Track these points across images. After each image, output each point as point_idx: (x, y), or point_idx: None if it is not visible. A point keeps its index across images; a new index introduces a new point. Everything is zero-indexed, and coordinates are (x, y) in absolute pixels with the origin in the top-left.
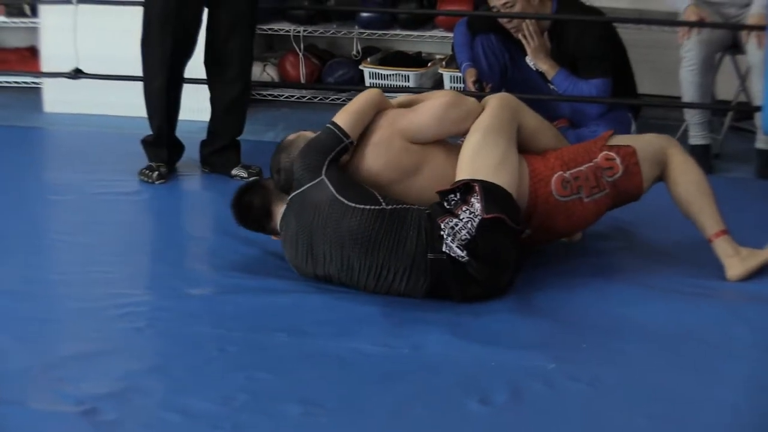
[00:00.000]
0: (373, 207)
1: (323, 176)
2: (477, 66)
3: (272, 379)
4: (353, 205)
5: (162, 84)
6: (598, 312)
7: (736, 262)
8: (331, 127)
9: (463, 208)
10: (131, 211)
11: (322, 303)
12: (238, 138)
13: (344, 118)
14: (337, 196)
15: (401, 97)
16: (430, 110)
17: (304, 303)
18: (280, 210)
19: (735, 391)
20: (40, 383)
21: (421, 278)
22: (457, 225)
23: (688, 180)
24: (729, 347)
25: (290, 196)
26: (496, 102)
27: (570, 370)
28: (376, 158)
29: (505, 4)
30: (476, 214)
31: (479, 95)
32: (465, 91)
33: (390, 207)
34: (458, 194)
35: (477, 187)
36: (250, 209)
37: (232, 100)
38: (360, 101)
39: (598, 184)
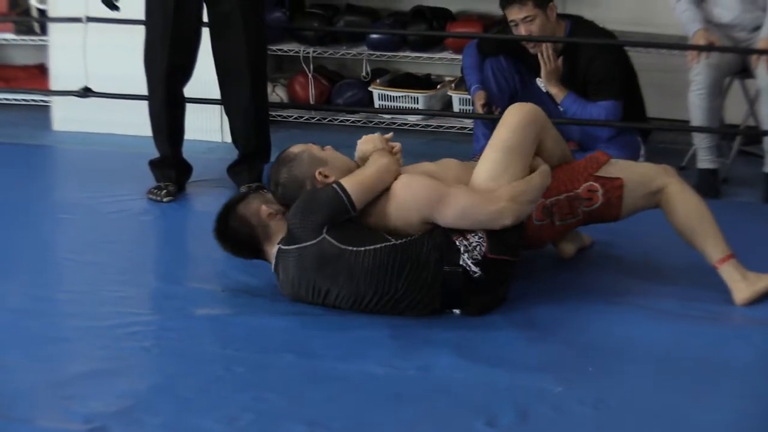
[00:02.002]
0: (385, 244)
1: (325, 235)
2: (486, 88)
3: (278, 400)
4: (364, 248)
5: (161, 103)
6: (604, 334)
7: (743, 286)
8: (340, 192)
9: (473, 233)
10: (140, 230)
11: (329, 324)
12: (252, 153)
13: (356, 188)
14: (345, 247)
15: (424, 167)
16: (458, 210)
17: (312, 324)
18: (272, 243)
19: (741, 415)
20: (48, 401)
21: (435, 293)
22: (470, 244)
23: (687, 209)
24: (735, 371)
25: (287, 246)
26: (521, 117)
27: (576, 392)
28: (392, 219)
29: (525, 18)
30: (483, 245)
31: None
32: (473, 114)
33: (400, 241)
34: None
35: None
36: (236, 239)
37: (242, 106)
38: (376, 176)
39: (572, 212)
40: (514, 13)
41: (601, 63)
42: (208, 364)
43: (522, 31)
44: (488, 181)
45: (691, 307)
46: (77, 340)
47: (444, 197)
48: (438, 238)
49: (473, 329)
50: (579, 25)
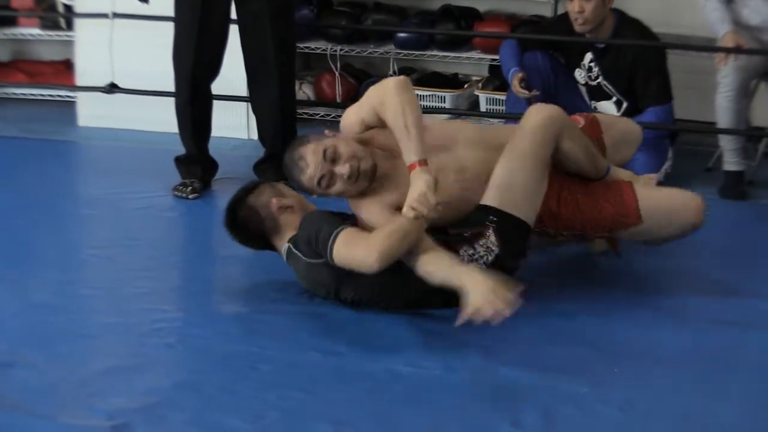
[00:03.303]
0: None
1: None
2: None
3: (304, 398)
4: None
5: (186, 100)
6: (629, 336)
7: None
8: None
9: (480, 242)
10: (165, 226)
11: (355, 322)
12: (279, 151)
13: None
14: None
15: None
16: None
17: (337, 323)
18: (282, 237)
19: None
20: (71, 397)
21: (448, 294)
22: (475, 254)
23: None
24: (762, 373)
25: (296, 251)
26: (540, 120)
27: (601, 393)
28: None
29: None
30: (492, 249)
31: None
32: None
33: None
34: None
35: (491, 231)
36: (245, 230)
37: (269, 104)
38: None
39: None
40: None
41: (652, 61)
42: (233, 362)
43: (576, 5)
44: (500, 188)
45: (717, 310)
46: (101, 336)
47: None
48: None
49: (499, 330)
50: (626, 19)
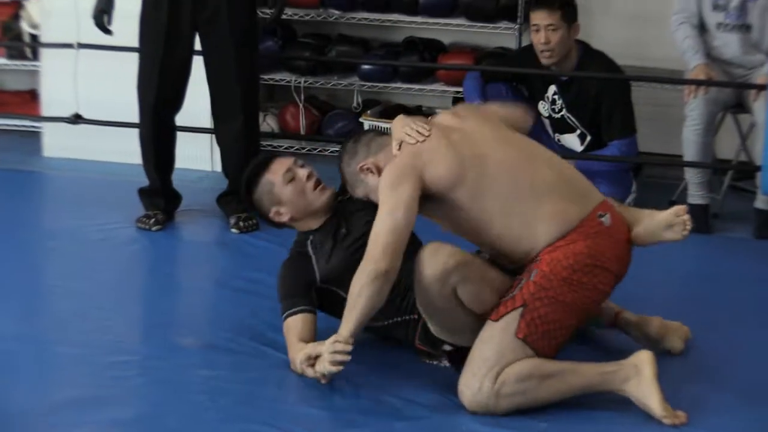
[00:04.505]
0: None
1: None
2: None
3: (266, 431)
4: None
5: (149, 132)
6: None
7: None
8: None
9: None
10: (128, 258)
11: None
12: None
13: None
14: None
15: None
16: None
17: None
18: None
19: None
20: (32, 428)
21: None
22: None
23: None
24: None
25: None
26: (430, 272)
27: None
28: None
29: (549, 25)
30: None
31: None
32: None
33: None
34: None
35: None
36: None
37: (233, 136)
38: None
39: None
40: (541, 18)
41: (614, 97)
42: (194, 394)
43: (541, 37)
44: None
45: None
46: (63, 367)
47: None
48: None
49: None
50: (590, 52)
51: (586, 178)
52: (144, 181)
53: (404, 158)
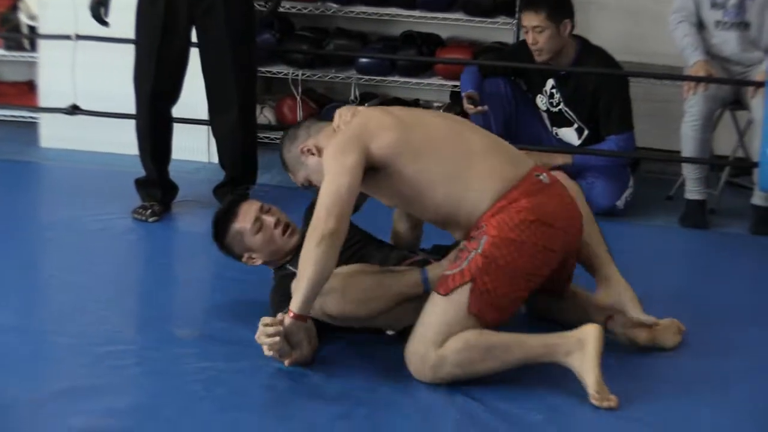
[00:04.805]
0: None
1: None
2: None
3: (260, 421)
4: None
5: (146, 123)
6: None
7: None
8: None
9: None
10: (125, 249)
11: None
12: (239, 176)
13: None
14: None
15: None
16: None
17: None
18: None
19: None
20: (28, 418)
21: None
22: None
23: None
24: None
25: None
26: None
27: None
28: None
29: (535, 27)
30: None
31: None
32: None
33: None
34: None
35: None
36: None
37: (230, 128)
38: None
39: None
40: (527, 20)
41: (612, 92)
42: (190, 384)
43: (529, 38)
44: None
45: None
46: (59, 358)
47: None
48: None
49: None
50: (588, 47)
51: (584, 172)
52: (141, 172)
53: (350, 131)
